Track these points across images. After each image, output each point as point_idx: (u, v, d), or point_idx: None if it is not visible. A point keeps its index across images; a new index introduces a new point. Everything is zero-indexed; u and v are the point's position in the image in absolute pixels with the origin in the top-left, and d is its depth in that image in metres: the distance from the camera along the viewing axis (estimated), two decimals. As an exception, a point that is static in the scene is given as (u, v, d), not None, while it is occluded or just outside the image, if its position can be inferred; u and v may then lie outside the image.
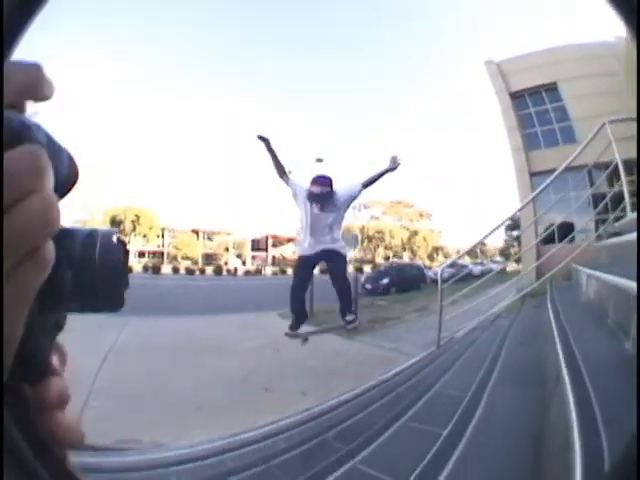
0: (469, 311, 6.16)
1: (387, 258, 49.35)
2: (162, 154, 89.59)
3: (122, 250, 0.36)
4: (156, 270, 35.46)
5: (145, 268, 36.37)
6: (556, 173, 5.20)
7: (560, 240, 6.38)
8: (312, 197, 3.82)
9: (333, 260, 4.07)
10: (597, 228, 6.80)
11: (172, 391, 4.60)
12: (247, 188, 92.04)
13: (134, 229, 44.19)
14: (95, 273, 0.34)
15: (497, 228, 5.32)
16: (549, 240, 9.19)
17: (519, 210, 6.25)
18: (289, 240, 55.90)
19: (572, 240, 6.69)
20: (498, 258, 27.45)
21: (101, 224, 43.78)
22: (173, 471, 2.30)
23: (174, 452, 2.82)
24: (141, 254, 47.71)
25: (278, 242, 55.79)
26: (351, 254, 42.90)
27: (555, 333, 2.46)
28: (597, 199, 7.13)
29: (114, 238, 0.36)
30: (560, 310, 3.40)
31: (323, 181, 3.83)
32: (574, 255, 5.76)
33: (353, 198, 4.09)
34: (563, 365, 1.77)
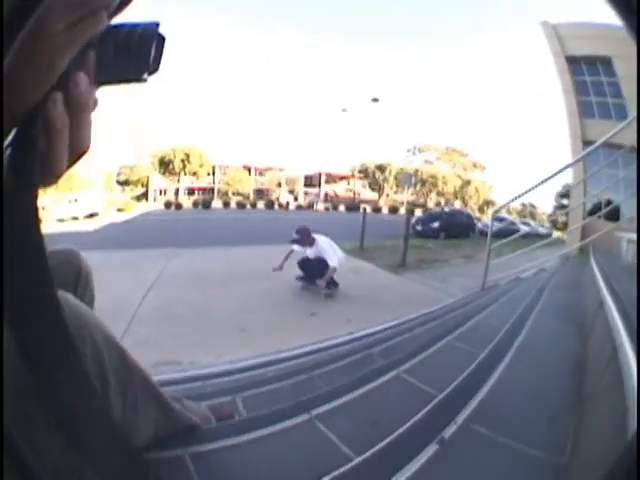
0: (513, 266, 5.99)
1: (438, 204, 48.59)
2: (214, 92, 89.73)
3: (158, 33, 0.46)
4: (206, 205, 35.88)
5: (195, 204, 36.82)
6: (597, 144, 4.89)
7: (606, 216, 6.21)
8: (292, 239, 5.85)
9: (311, 263, 5.91)
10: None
11: (217, 315, 4.64)
12: (301, 125, 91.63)
13: (184, 167, 44.54)
14: (131, 45, 0.45)
15: (546, 180, 5.08)
16: (596, 213, 8.91)
17: (568, 166, 5.94)
18: (342, 178, 55.76)
19: (617, 218, 6.52)
20: (546, 224, 26.89)
21: (149, 167, 44.68)
22: (210, 383, 2.31)
23: (213, 368, 2.86)
24: (190, 191, 48.41)
25: (331, 179, 55.62)
26: (404, 196, 42.65)
27: (599, 278, 2.34)
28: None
29: (155, 26, 0.46)
30: (602, 265, 3.27)
31: (298, 230, 5.82)
32: (618, 224, 5.66)
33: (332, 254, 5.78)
34: (608, 298, 1.66)
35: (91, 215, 21.37)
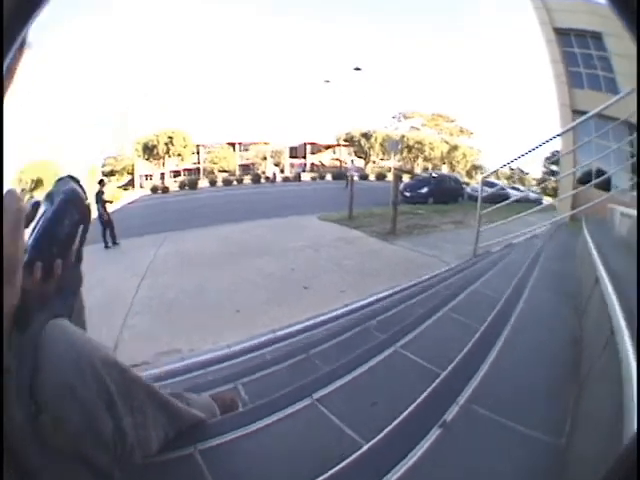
0: (504, 232, 5.91)
1: (426, 170, 48.37)
2: (190, 71, 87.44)
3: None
4: (192, 185, 35.17)
5: (181, 185, 36.03)
6: (589, 115, 5.06)
7: (597, 185, 6.28)
8: None
9: None
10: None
11: (211, 297, 4.64)
12: (285, 98, 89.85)
13: (168, 151, 43.77)
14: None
15: (538, 147, 5.11)
16: (586, 182, 8.95)
17: (558, 135, 5.99)
18: (327, 147, 54.96)
19: (607, 188, 6.56)
20: (536, 189, 26.86)
21: (134, 154, 43.85)
22: (210, 370, 2.31)
23: (211, 354, 2.87)
24: (176, 173, 47.51)
25: (316, 149, 54.83)
26: (391, 162, 42.34)
27: (593, 251, 2.33)
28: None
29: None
30: (596, 237, 3.27)
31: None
32: (610, 195, 5.62)
33: None
34: (604, 276, 1.66)
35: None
